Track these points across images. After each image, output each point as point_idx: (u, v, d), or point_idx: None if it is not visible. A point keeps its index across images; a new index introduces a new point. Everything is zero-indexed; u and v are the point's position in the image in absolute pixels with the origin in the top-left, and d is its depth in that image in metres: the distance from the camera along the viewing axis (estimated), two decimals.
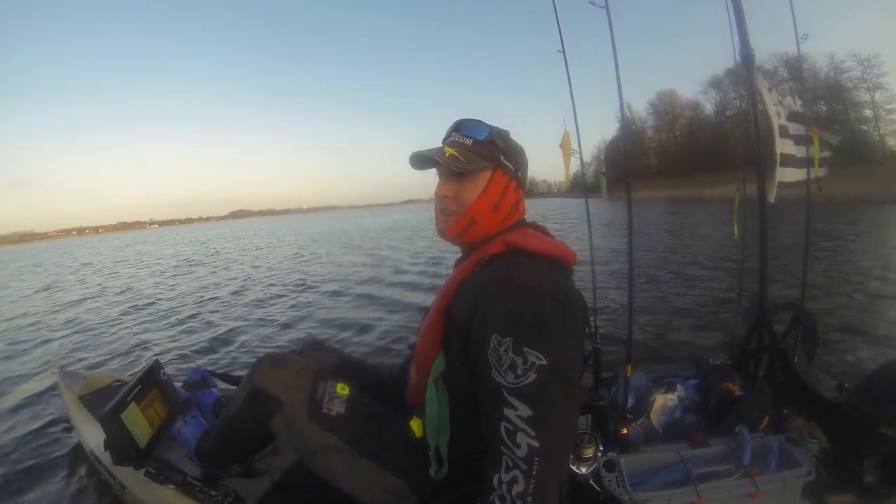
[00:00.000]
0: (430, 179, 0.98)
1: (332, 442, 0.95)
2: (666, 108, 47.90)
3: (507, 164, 0.91)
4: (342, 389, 1.01)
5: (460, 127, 0.92)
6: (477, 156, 0.89)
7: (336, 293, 6.17)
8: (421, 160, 0.92)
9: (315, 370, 1.06)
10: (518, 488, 0.69)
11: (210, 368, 1.69)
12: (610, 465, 1.15)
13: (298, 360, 1.08)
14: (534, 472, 0.69)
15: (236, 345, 4.07)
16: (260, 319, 5.02)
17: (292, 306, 5.56)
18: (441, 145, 0.93)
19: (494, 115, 0.99)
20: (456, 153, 0.88)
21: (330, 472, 0.97)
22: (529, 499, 0.69)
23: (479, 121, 0.93)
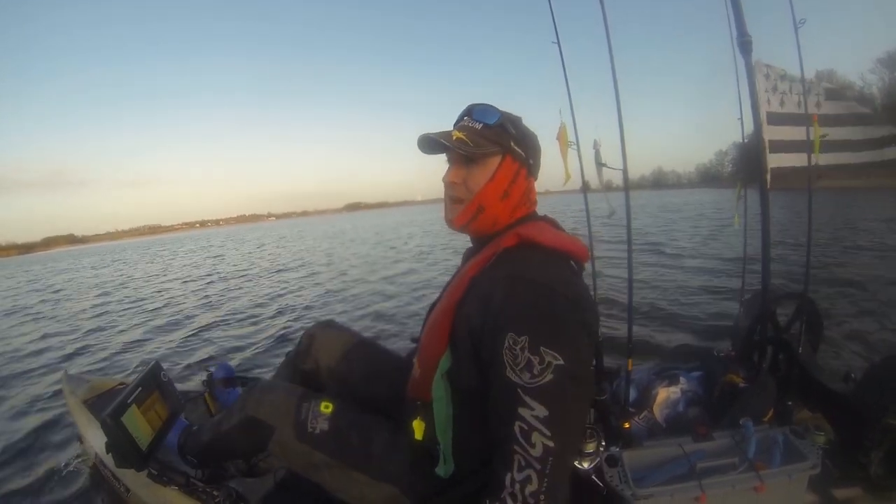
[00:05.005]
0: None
1: (321, 459, 0.98)
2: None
3: (518, 150, 0.88)
4: (325, 407, 1.03)
5: (471, 111, 0.89)
6: (486, 140, 0.86)
7: None
8: (429, 144, 0.89)
9: (301, 392, 1.08)
10: (531, 487, 0.69)
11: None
12: (612, 461, 1.14)
13: (285, 385, 1.13)
14: (548, 472, 0.69)
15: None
16: None
17: None
18: (451, 129, 0.90)
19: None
20: (464, 136, 0.85)
21: (326, 487, 1.00)
22: (542, 497, 0.69)
23: (490, 105, 0.90)
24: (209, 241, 32.09)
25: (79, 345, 4.63)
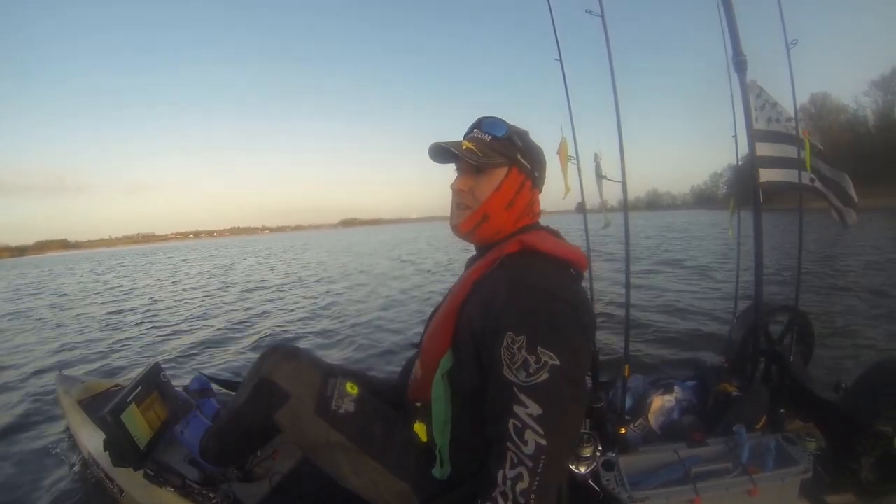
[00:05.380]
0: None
1: (339, 439, 0.93)
2: (819, 112, 41.94)
3: (524, 162, 0.92)
4: (352, 388, 1.00)
5: (481, 124, 0.93)
6: (494, 151, 0.89)
7: None
8: (439, 152, 0.92)
9: (326, 366, 1.05)
10: (522, 485, 0.70)
11: (209, 373, 1.69)
12: (608, 465, 1.15)
13: (309, 355, 1.07)
14: (539, 470, 0.70)
15: None
16: None
17: None
18: (461, 140, 0.93)
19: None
20: (473, 147, 0.88)
21: (334, 469, 0.96)
22: (532, 496, 0.70)
23: (499, 118, 0.93)
24: (210, 252, 30.98)
25: (116, 359, 4.11)
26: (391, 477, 0.93)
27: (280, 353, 1.04)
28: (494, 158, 0.89)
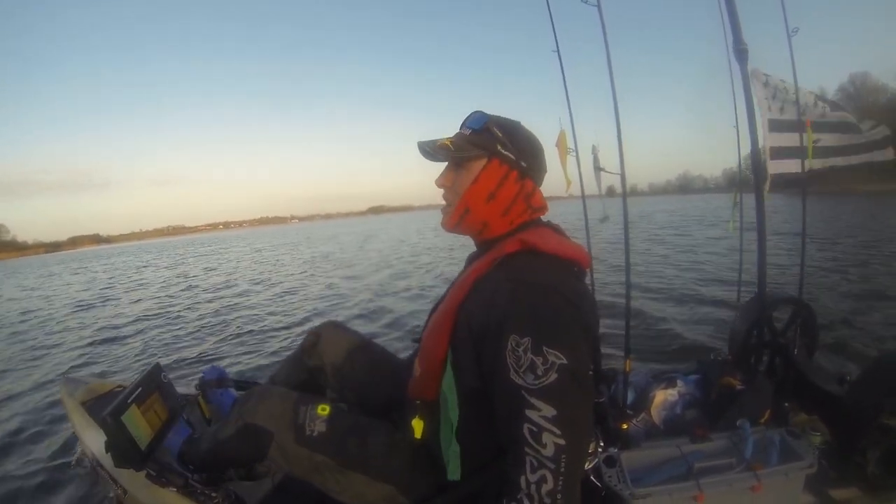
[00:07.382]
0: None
1: (321, 460, 0.99)
2: (858, 92, 39.10)
3: (505, 153, 0.89)
4: (322, 410, 1.04)
5: (466, 119, 0.92)
6: (471, 144, 0.88)
7: None
8: (423, 152, 0.92)
9: (296, 396, 1.09)
10: (547, 487, 0.69)
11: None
12: (610, 461, 1.15)
13: (279, 390, 1.14)
14: (562, 470, 0.69)
15: None
16: None
17: None
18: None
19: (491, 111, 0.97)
20: (449, 142, 0.88)
21: (326, 490, 1.01)
22: (559, 496, 0.69)
23: (480, 111, 0.92)
24: (267, 241, 28.47)
25: None
26: (376, 484, 0.96)
27: (255, 395, 1.12)
28: (469, 151, 0.88)
